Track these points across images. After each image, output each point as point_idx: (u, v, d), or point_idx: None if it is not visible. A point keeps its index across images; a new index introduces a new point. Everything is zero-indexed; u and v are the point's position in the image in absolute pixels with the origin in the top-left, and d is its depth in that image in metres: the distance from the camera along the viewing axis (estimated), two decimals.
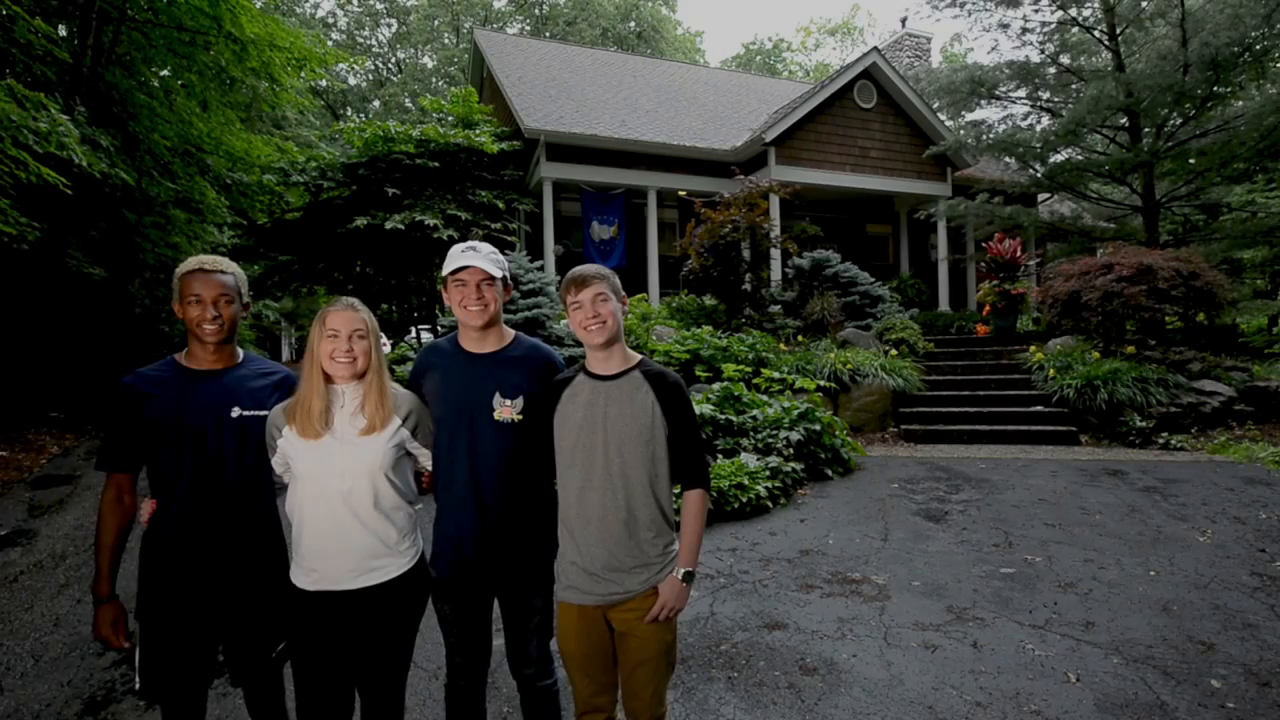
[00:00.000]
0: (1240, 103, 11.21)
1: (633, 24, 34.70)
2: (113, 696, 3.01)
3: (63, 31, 8.99)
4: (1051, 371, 8.24)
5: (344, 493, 1.87)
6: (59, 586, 4.20)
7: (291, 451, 1.89)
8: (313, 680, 1.88)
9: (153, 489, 1.97)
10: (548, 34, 32.30)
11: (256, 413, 2.01)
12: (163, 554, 1.93)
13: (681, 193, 12.81)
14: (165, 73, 10.23)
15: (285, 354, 26.97)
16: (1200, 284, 8.07)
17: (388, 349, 11.85)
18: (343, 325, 1.90)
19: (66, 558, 4.63)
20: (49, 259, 8.15)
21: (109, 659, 3.30)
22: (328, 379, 1.92)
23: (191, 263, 2.00)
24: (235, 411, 1.99)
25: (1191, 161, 11.23)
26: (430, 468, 2.11)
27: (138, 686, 1.93)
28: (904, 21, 18.25)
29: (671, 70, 18.49)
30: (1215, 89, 10.18)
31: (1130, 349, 8.40)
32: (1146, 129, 11.20)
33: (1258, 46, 9.69)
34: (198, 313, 1.95)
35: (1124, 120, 11.33)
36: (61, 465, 6.82)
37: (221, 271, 2.01)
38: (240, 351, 2.13)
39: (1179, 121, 10.96)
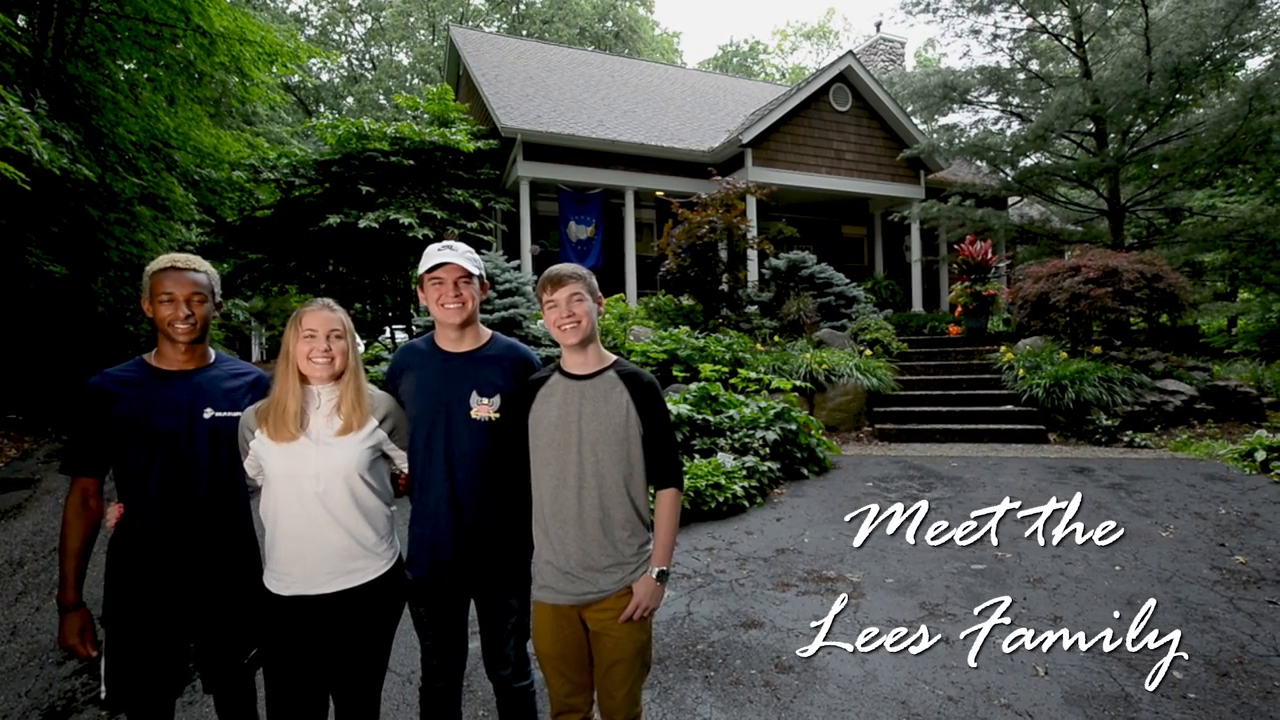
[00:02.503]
0: (1201, 110, 11.56)
1: (610, 24, 34.66)
2: (73, 706, 2.92)
3: (22, 22, 8.70)
4: (1021, 371, 8.40)
5: (319, 494, 1.84)
6: (16, 594, 4.07)
7: (265, 454, 1.85)
8: (286, 687, 1.85)
9: (120, 492, 1.92)
10: (525, 33, 32.12)
11: (230, 414, 1.96)
12: (131, 559, 1.88)
13: (659, 193, 12.82)
14: (130, 66, 9.96)
15: (255, 354, 26.45)
16: (1163, 286, 8.29)
17: (361, 349, 11.69)
18: (320, 325, 1.88)
19: (25, 564, 4.50)
20: (7, 256, 7.91)
21: (69, 668, 3.21)
22: (303, 380, 1.89)
23: (163, 260, 1.95)
24: (208, 412, 1.95)
25: (1155, 167, 11.56)
26: (406, 469, 2.09)
27: (103, 695, 1.87)
28: (879, 26, 18.51)
29: (649, 71, 18.51)
30: (1178, 96, 10.49)
31: (1097, 349, 8.60)
32: (1112, 135, 11.49)
33: (1218, 56, 10.00)
34: (170, 312, 1.91)
35: (1091, 126, 11.61)
36: (20, 468, 6.62)
37: (194, 270, 1.96)
38: (212, 351, 2.08)
39: (1143, 128, 11.27)
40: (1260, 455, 6.00)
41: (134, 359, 2.00)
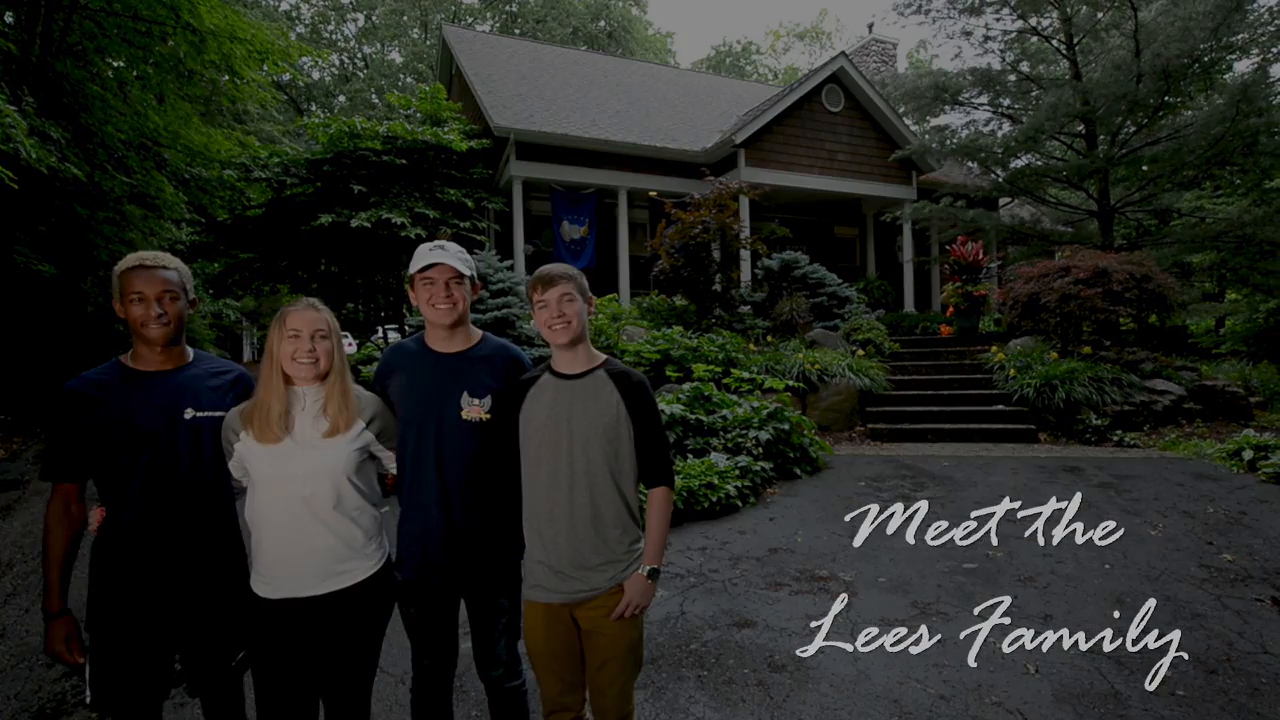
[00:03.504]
0: (1190, 112, 11.64)
1: (603, 23, 34.65)
2: (63, 709, 2.90)
3: (9, 19, 8.62)
4: (1012, 371, 8.44)
5: (305, 496, 1.82)
6: (5, 596, 4.04)
7: (250, 456, 1.83)
8: (276, 690, 1.84)
9: (102, 496, 1.89)
10: (517, 32, 32.09)
11: (212, 414, 1.94)
12: (115, 562, 1.85)
13: (652, 193, 12.82)
14: (120, 64, 9.87)
15: (247, 354, 26.35)
16: (1152, 286, 8.34)
17: (353, 349, 11.65)
18: (304, 325, 1.85)
19: (14, 565, 4.46)
20: None
21: (58, 670, 3.18)
22: (288, 380, 1.87)
23: (131, 259, 1.91)
24: (189, 413, 1.92)
25: (1144, 168, 11.64)
26: (394, 470, 2.08)
27: (89, 699, 1.85)
28: (871, 27, 18.54)
29: (642, 70, 18.51)
30: (1166, 98, 10.57)
31: (1087, 349, 8.65)
32: (1102, 136, 11.57)
33: (1206, 58, 10.09)
34: (141, 311, 1.87)
35: (1081, 127, 11.69)
36: (9, 470, 6.56)
37: (163, 267, 1.92)
38: (190, 350, 2.04)
39: (1132, 129, 11.35)
40: (1247, 454, 6.05)
41: (110, 360, 1.95)
